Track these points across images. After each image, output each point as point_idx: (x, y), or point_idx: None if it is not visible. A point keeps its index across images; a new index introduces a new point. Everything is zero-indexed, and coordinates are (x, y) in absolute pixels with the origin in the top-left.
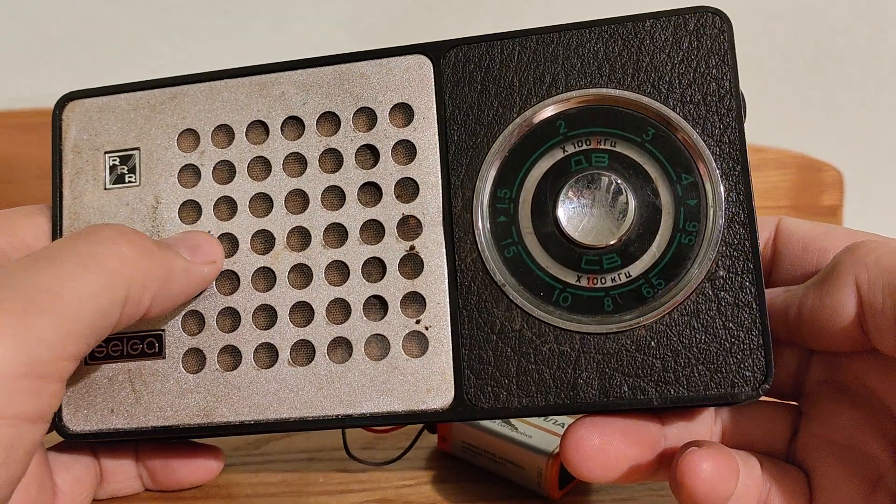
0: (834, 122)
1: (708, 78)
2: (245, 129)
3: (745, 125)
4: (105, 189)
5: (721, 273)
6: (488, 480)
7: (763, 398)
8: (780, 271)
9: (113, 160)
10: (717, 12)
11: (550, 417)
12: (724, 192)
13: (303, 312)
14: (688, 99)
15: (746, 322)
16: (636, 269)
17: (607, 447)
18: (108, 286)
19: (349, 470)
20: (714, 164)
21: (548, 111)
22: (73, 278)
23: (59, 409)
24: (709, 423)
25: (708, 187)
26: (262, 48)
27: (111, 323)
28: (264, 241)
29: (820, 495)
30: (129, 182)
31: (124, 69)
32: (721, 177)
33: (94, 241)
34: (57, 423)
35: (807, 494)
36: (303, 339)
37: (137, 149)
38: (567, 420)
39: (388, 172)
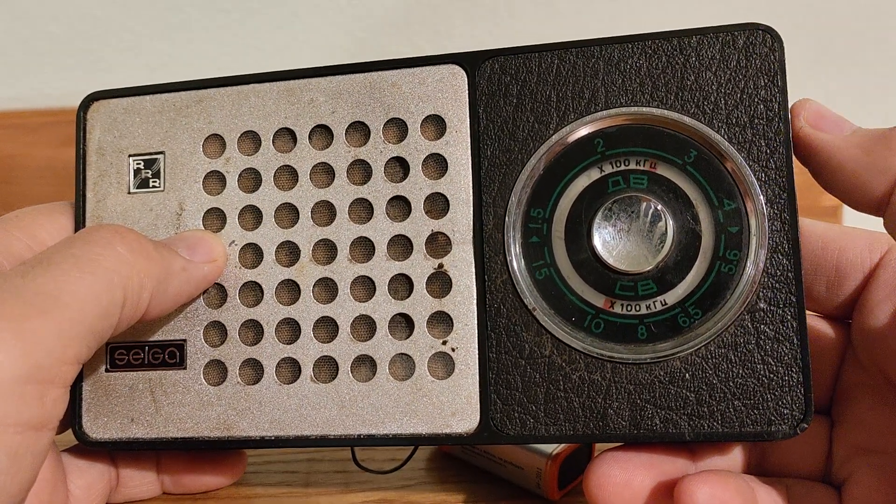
0: None
1: (756, 99)
2: (272, 137)
3: None
4: (129, 193)
5: (762, 305)
6: (488, 481)
7: None
8: None
9: (137, 164)
10: (768, 30)
11: None
12: (769, 220)
13: (327, 328)
14: (733, 121)
15: (786, 357)
16: (672, 296)
17: (631, 481)
18: (105, 288)
19: (350, 470)
20: (759, 191)
21: (586, 129)
22: (71, 281)
23: (80, 416)
24: (746, 448)
25: (751, 214)
26: (263, 47)
27: (111, 325)
28: (289, 252)
29: None
30: (154, 187)
31: (125, 69)
32: (766, 204)
33: (90, 243)
34: (76, 430)
35: None
36: (326, 356)
37: (162, 153)
38: None
39: (417, 187)
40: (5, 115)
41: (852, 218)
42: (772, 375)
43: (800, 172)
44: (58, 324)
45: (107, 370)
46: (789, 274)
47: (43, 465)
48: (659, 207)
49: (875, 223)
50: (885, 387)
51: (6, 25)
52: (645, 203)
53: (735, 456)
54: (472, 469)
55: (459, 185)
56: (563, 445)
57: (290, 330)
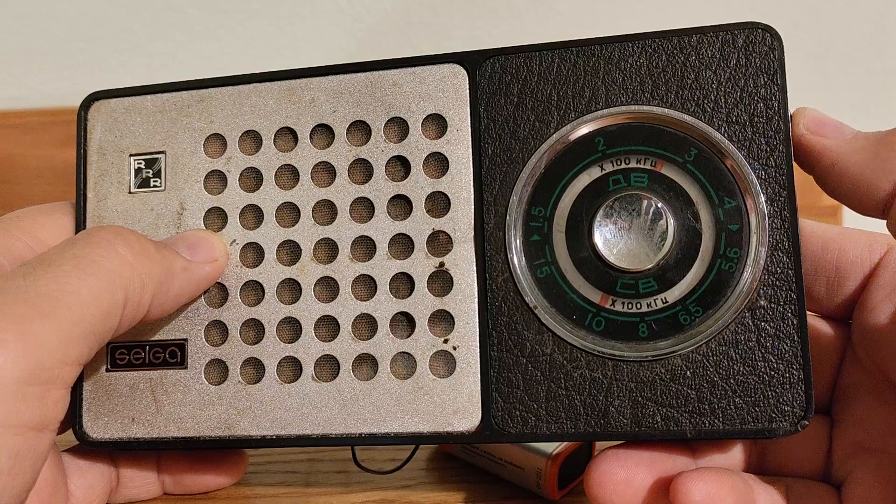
0: None
1: (755, 98)
2: (273, 136)
3: None
4: (130, 193)
5: (762, 303)
6: (488, 481)
7: None
8: None
9: (138, 163)
10: (767, 29)
11: None
12: (769, 217)
13: (328, 327)
14: (733, 119)
15: (787, 355)
16: (673, 295)
17: (632, 480)
18: (107, 289)
19: (350, 470)
20: (759, 189)
21: (586, 127)
22: (72, 283)
23: (80, 416)
24: (746, 447)
25: (751, 212)
26: (263, 47)
27: (112, 326)
28: (290, 251)
29: None
30: (155, 186)
31: (124, 68)
32: (766, 202)
33: (91, 244)
34: (77, 430)
35: None
36: (327, 355)
37: (163, 152)
38: None
39: (418, 185)
40: (5, 114)
41: (852, 218)
42: (772, 373)
43: (800, 172)
44: (59, 325)
45: (108, 370)
46: (790, 271)
47: (44, 465)
48: (660, 206)
49: (874, 224)
50: (886, 387)
51: (6, 25)
52: (646, 201)
53: (735, 455)
54: (472, 469)
55: (460, 183)
56: (563, 445)
57: (292, 329)
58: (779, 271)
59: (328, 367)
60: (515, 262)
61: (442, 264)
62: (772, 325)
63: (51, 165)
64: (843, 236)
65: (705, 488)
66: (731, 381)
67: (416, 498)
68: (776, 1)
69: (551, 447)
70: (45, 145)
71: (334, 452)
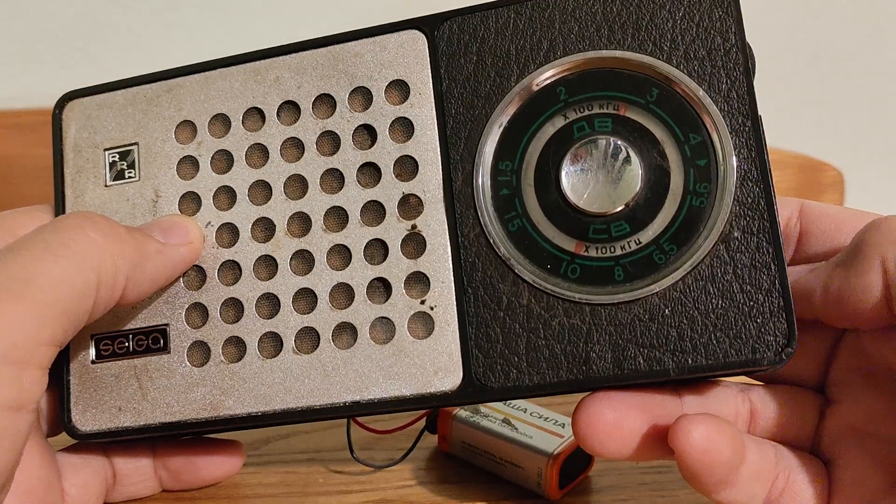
0: (834, 122)
1: (712, 32)
2: (241, 117)
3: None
4: (106, 186)
5: (736, 234)
6: (488, 481)
7: (792, 386)
8: (808, 250)
9: (112, 157)
10: None
11: (550, 418)
12: (735, 149)
13: (306, 299)
14: (691, 55)
15: (765, 284)
16: (646, 235)
17: (622, 422)
18: (78, 270)
19: (349, 471)
20: (722, 121)
21: (547, 78)
22: (43, 265)
23: (69, 410)
24: (734, 405)
25: (717, 146)
26: (259, 46)
27: (87, 307)
28: (265, 228)
29: (841, 486)
30: (129, 177)
31: (123, 67)
32: (731, 133)
33: (60, 229)
34: (66, 424)
35: (826, 485)
36: (307, 327)
37: (136, 143)
38: (568, 421)
39: (386, 151)
40: (4, 114)
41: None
42: (752, 303)
43: (800, 171)
44: (31, 306)
45: (93, 362)
46: (761, 201)
47: (37, 461)
48: (625, 148)
49: (882, 207)
50: (885, 374)
51: (6, 25)
52: (611, 144)
53: (726, 410)
54: (472, 469)
55: (427, 145)
56: (564, 445)
57: (270, 304)
58: (750, 201)
59: (308, 339)
60: (486, 217)
61: (414, 227)
62: (747, 255)
63: (49, 165)
64: (857, 218)
65: (706, 432)
66: (711, 315)
67: (415, 498)
68: (776, 1)
69: (553, 447)
70: (43, 145)
71: (333, 452)
